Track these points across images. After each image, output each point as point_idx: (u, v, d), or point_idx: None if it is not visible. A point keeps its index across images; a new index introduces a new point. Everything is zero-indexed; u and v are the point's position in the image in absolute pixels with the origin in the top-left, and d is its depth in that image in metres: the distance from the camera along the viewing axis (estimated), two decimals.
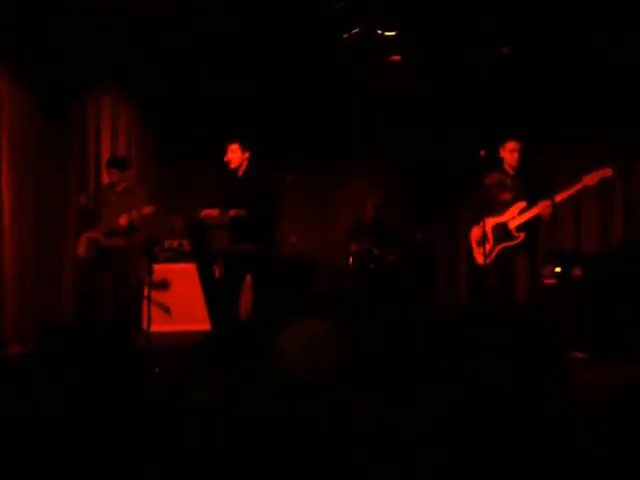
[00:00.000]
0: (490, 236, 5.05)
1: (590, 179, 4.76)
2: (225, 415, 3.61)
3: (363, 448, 3.09)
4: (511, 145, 5.10)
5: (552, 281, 6.10)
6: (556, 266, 6.10)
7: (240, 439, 3.19)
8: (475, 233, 5.21)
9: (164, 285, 6.64)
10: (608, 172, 4.74)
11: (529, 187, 5.04)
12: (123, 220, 5.80)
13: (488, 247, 5.03)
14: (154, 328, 5.46)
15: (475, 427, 3.39)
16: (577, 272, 6.03)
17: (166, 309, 6.51)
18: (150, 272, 5.95)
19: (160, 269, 6.68)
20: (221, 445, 3.12)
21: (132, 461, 2.90)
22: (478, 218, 5.07)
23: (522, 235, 4.98)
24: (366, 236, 7.31)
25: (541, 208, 4.88)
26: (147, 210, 5.77)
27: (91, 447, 3.05)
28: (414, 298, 7.35)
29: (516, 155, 5.08)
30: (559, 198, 4.86)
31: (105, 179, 6.75)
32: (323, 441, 3.17)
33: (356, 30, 6.28)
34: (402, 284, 7.24)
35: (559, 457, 2.97)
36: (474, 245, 5.23)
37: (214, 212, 5.07)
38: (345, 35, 6.35)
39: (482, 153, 4.93)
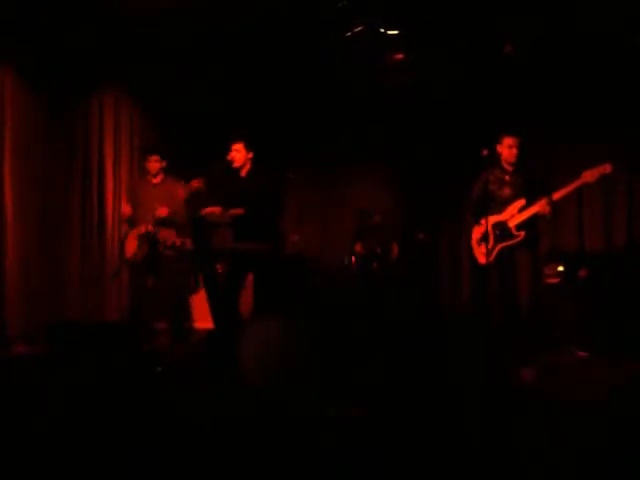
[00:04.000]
0: (490, 235, 5.04)
1: (590, 175, 4.74)
2: (222, 415, 3.63)
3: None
4: (509, 141, 5.07)
5: (555, 280, 6.08)
6: (559, 265, 6.08)
7: (235, 438, 3.21)
8: (476, 232, 5.19)
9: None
10: (607, 168, 4.72)
11: (528, 184, 5.01)
12: (163, 212, 5.65)
13: (489, 246, 5.01)
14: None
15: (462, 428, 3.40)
16: (583, 273, 6.00)
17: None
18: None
19: None
20: (221, 444, 3.14)
21: (136, 460, 2.92)
22: (478, 217, 5.06)
23: (522, 234, 4.96)
24: (370, 236, 7.32)
25: (540, 206, 4.86)
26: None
27: (95, 447, 3.07)
28: (416, 297, 7.35)
29: (514, 151, 5.05)
30: (558, 195, 4.84)
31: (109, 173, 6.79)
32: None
33: (359, 29, 6.29)
34: (404, 283, 7.24)
35: (555, 456, 2.97)
36: (474, 244, 5.21)
37: (216, 210, 5.09)
38: (348, 34, 6.36)
39: (484, 152, 4.93)
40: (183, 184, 5.58)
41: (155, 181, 5.93)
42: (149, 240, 5.60)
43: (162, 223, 5.69)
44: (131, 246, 5.73)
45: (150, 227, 5.60)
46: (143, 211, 5.77)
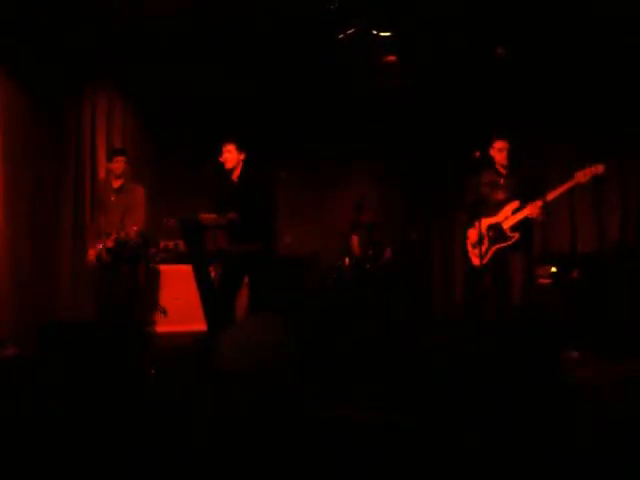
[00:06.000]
0: (485, 237, 5.06)
1: (582, 176, 4.78)
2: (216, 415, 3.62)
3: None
4: (499, 144, 5.12)
5: (547, 281, 6.11)
6: (552, 266, 6.10)
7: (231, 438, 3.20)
8: (470, 234, 5.22)
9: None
10: (600, 169, 4.76)
11: (522, 186, 5.06)
12: (132, 233, 5.68)
13: (483, 248, 5.04)
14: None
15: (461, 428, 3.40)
16: (575, 274, 6.03)
17: (162, 310, 6.50)
18: (148, 274, 5.92)
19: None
20: (216, 445, 3.13)
21: (129, 463, 2.90)
22: (473, 220, 5.08)
23: (517, 235, 5.00)
24: (363, 234, 7.31)
25: (531, 209, 4.90)
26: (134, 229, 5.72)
27: (87, 449, 3.05)
28: (409, 298, 7.35)
29: (504, 154, 5.11)
30: (551, 196, 4.88)
31: (102, 175, 6.74)
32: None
33: (351, 30, 6.28)
34: (397, 284, 7.24)
35: (558, 457, 2.98)
36: (469, 247, 5.24)
37: (212, 216, 5.09)
38: (340, 35, 6.35)
39: (477, 154, 4.95)
40: (142, 187, 5.83)
41: (116, 185, 5.95)
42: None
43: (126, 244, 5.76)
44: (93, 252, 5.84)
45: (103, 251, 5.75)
46: (107, 220, 5.86)
